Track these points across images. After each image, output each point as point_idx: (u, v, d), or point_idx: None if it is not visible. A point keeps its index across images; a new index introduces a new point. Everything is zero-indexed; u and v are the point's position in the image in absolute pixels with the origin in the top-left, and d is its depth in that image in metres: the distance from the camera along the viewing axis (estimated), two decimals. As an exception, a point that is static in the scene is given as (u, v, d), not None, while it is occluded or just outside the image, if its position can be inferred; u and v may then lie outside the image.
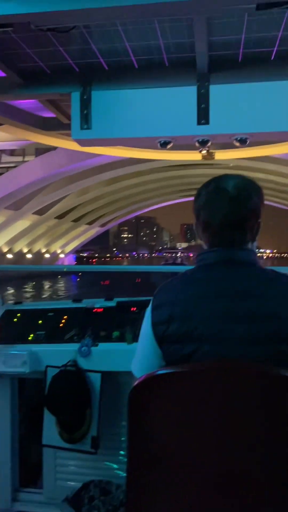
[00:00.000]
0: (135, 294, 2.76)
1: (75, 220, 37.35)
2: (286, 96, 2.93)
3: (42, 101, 4.03)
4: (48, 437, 2.19)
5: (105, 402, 2.19)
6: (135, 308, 2.50)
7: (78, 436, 2.11)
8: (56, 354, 2.22)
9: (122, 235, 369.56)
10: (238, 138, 3.11)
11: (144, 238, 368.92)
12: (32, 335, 2.35)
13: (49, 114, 5.16)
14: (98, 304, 2.58)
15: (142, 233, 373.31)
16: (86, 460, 2.30)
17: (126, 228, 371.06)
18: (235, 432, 1.11)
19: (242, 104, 3.01)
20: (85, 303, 2.65)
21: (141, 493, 1.20)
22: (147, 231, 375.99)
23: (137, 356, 1.41)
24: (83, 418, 2.09)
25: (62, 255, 41.09)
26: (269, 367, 1.16)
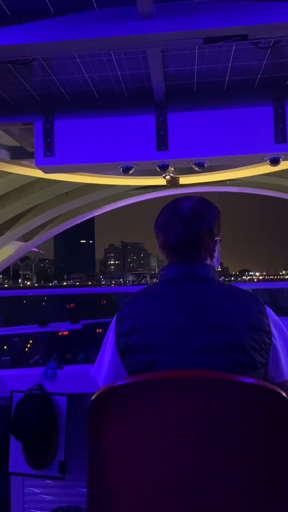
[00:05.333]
0: (101, 315, 2.79)
1: None
2: (239, 122, 3.09)
3: (5, 130, 4.08)
4: (15, 464, 2.15)
5: (72, 425, 2.19)
6: (100, 330, 2.54)
7: (44, 462, 2.09)
8: (22, 379, 2.22)
9: (109, 262, 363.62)
10: (197, 163, 3.24)
11: (132, 264, 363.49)
12: None
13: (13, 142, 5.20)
14: (64, 327, 2.61)
15: (129, 259, 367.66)
16: (54, 487, 2.26)
17: (112, 254, 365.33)
18: (194, 441, 1.15)
19: (199, 130, 3.16)
20: (51, 326, 2.68)
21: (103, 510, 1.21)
22: (134, 257, 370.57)
23: (99, 365, 1.48)
24: (50, 443, 2.08)
25: None
26: (225, 374, 1.21)
